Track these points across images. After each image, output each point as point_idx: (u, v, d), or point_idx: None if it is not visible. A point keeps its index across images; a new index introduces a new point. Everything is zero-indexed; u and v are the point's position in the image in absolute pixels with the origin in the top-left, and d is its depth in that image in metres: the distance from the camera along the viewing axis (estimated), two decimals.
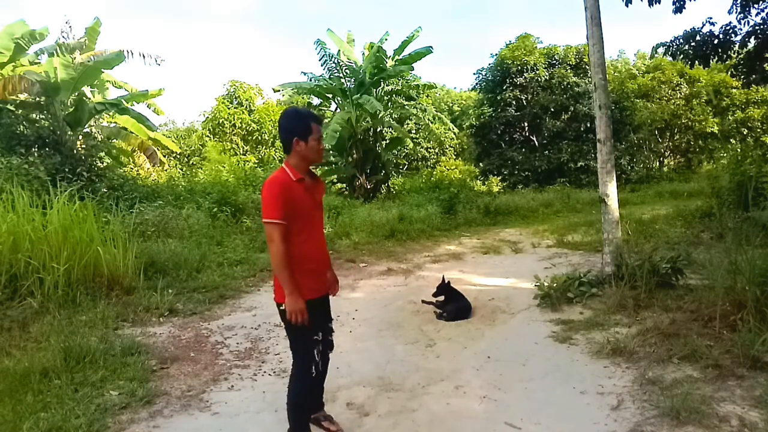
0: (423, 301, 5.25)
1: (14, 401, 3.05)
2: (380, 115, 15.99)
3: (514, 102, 20.19)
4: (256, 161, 20.68)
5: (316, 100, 18.32)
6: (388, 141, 18.63)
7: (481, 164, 21.50)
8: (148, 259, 5.96)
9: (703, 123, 22.40)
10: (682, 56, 8.93)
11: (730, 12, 8.45)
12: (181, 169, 19.41)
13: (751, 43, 8.60)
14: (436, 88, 27.20)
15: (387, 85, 16.99)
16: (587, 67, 17.92)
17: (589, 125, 18.61)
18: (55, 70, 10.85)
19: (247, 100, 23.28)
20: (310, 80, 16.39)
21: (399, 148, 20.66)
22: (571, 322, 4.40)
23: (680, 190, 15.92)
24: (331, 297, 2.75)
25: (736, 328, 3.50)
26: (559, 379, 3.38)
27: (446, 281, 5.12)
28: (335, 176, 17.00)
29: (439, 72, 68.91)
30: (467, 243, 9.20)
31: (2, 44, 11.37)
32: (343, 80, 15.98)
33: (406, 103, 19.28)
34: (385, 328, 4.63)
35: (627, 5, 7.41)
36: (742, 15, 8.32)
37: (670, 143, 23.80)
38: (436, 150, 25.71)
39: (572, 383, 3.28)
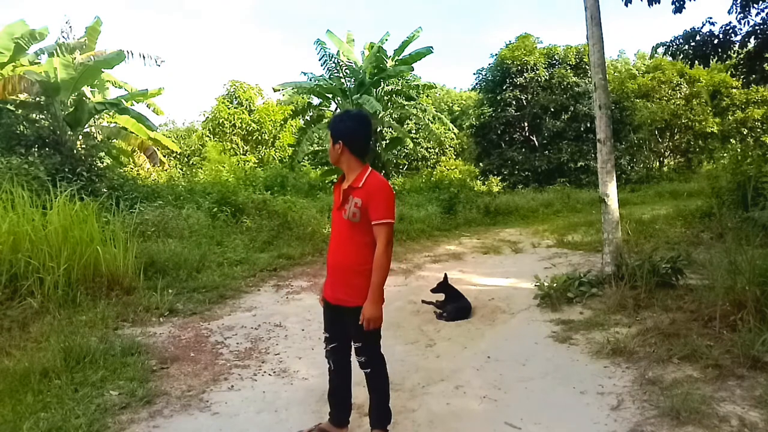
0: (423, 301, 5.25)
1: (14, 401, 3.05)
2: (380, 115, 15.98)
3: (514, 102, 20.18)
4: (256, 161, 20.68)
5: (316, 100, 18.32)
6: (388, 141, 18.63)
7: (481, 164, 21.49)
8: (148, 259, 5.95)
9: (703, 123, 22.39)
10: (682, 56, 8.93)
11: (730, 12, 8.45)
12: (181, 169, 19.39)
13: (751, 43, 8.59)
14: (436, 88, 27.19)
15: (387, 85, 16.98)
16: (587, 67, 17.93)
17: (589, 125, 18.60)
18: (55, 70, 10.85)
19: (247, 100, 23.26)
20: (310, 80, 16.38)
21: (399, 148, 20.65)
22: (571, 322, 4.40)
23: (680, 190, 15.90)
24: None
25: (736, 328, 3.50)
26: (559, 379, 3.38)
27: (447, 278, 5.13)
28: (335, 176, 17.01)
29: (439, 72, 69.00)
30: (467, 243, 9.20)
31: (2, 44, 11.36)
32: (343, 80, 15.97)
33: (406, 103, 19.26)
34: (385, 328, 4.56)
35: (627, 5, 7.42)
36: (742, 15, 8.32)
37: (670, 143, 23.79)
38: (436, 150, 25.68)
39: (572, 383, 3.28)
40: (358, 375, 3.57)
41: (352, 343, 2.57)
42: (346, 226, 2.44)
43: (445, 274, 5.22)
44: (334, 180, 17.04)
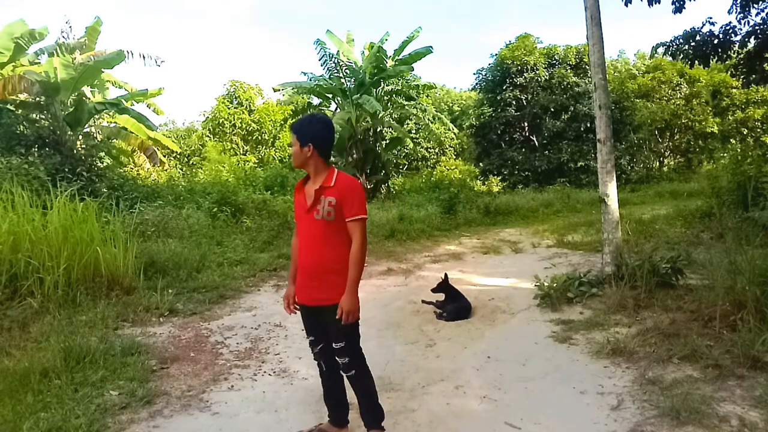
0: (423, 301, 5.25)
1: (14, 401, 3.05)
2: (380, 115, 16.00)
3: (514, 102, 20.19)
4: (256, 161, 20.67)
5: (316, 100, 18.33)
6: (388, 141, 18.64)
7: (481, 164, 21.51)
8: (148, 259, 5.96)
9: (703, 123, 22.40)
10: (682, 56, 8.93)
11: (730, 12, 8.45)
12: (181, 169, 19.40)
13: (751, 43, 8.59)
14: (436, 88, 27.20)
15: (387, 85, 17.00)
16: (587, 67, 17.92)
17: (589, 125, 18.60)
18: (55, 70, 10.85)
19: (247, 100, 23.24)
20: (310, 80, 16.40)
21: (399, 148, 20.67)
22: (571, 322, 4.40)
23: (680, 190, 15.91)
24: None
25: (736, 328, 3.50)
26: (559, 379, 3.38)
27: (447, 278, 5.12)
28: None
29: (439, 72, 69.07)
30: (467, 243, 9.20)
31: (2, 44, 11.37)
32: (343, 80, 15.99)
33: (406, 103, 19.28)
34: (385, 328, 4.63)
35: (627, 5, 7.42)
36: (742, 15, 8.32)
37: (670, 143, 23.79)
38: (436, 150, 25.70)
39: (572, 383, 3.28)
40: None
41: (334, 345, 2.56)
42: (321, 226, 2.47)
43: (445, 274, 5.22)
44: None
